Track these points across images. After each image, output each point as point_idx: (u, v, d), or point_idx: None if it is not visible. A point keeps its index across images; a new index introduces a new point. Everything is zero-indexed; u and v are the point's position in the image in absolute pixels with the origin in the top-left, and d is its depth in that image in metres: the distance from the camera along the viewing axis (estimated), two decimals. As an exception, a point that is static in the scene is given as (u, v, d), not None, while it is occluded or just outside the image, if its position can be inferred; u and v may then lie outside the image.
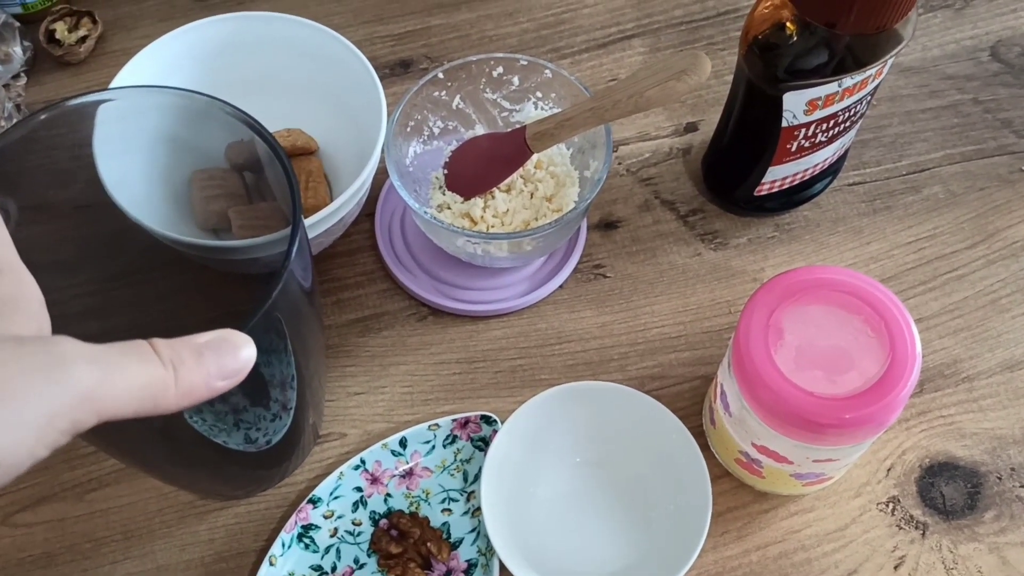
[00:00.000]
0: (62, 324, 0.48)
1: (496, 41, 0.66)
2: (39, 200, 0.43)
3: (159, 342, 0.29)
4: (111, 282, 0.49)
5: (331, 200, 0.58)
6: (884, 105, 0.63)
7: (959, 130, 0.61)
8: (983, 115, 0.62)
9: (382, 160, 0.53)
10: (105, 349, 0.27)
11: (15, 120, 0.60)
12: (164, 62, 0.56)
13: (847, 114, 0.51)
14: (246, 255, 0.51)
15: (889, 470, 0.50)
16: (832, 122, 0.51)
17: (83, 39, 0.64)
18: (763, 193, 0.56)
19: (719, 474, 0.50)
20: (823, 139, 0.52)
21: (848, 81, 0.48)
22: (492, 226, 0.54)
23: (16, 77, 0.62)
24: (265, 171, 0.43)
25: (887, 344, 0.42)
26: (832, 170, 0.58)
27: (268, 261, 0.53)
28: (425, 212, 0.51)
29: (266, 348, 0.40)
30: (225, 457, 0.44)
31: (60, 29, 0.64)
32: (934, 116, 0.62)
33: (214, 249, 0.52)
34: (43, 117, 0.39)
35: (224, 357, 0.30)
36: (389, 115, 0.53)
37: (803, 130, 0.51)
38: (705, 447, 0.51)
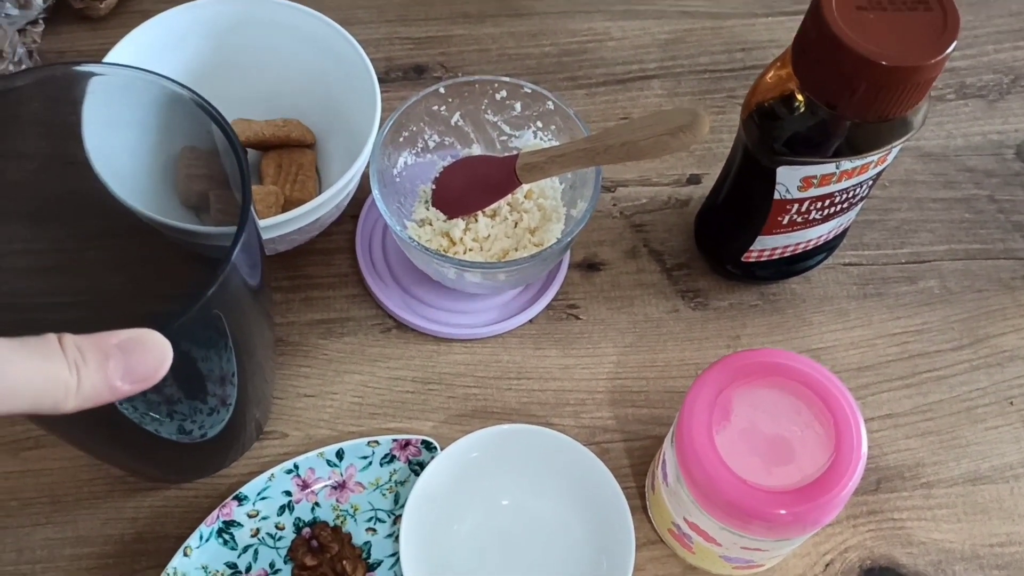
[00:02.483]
0: (24, 277, 0.48)
1: (515, 60, 0.65)
2: (21, 149, 0.43)
3: (67, 339, 0.28)
4: (80, 241, 0.49)
5: (318, 195, 0.58)
6: (896, 188, 0.61)
7: (968, 226, 0.59)
8: (996, 215, 0.60)
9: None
10: (6, 342, 0.27)
11: (24, 66, 0.60)
12: (173, 33, 0.56)
13: (845, 195, 0.50)
14: (211, 241, 0.50)
15: (828, 565, 0.49)
16: (828, 201, 0.50)
17: (105, -6, 0.64)
18: (751, 260, 0.54)
19: (653, 539, 0.49)
20: (817, 216, 0.51)
21: (847, 164, 0.46)
22: (470, 249, 0.53)
23: (34, 23, 0.62)
24: (223, 162, 0.42)
25: (832, 443, 0.41)
26: (828, 247, 0.56)
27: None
28: (402, 229, 0.50)
29: (204, 343, 0.40)
30: (157, 444, 0.44)
31: (86, -24, 0.64)
32: (945, 207, 0.60)
33: (179, 230, 0.51)
34: (42, 74, 0.39)
35: (133, 360, 0.30)
36: (383, 122, 0.52)
37: (796, 205, 0.49)
38: (644, 509, 0.50)
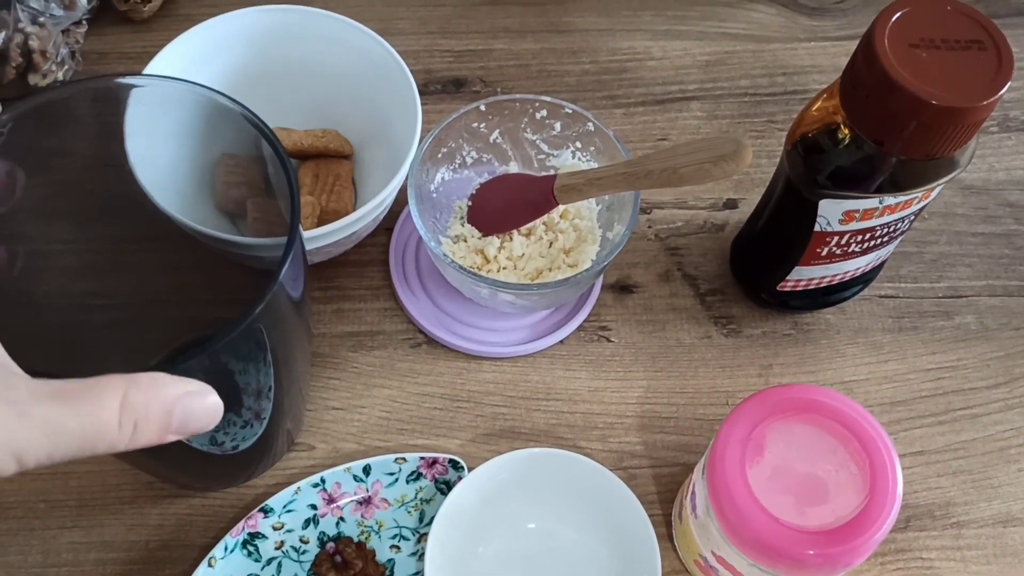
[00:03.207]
0: (69, 275, 0.49)
1: (554, 77, 0.65)
2: (68, 149, 0.44)
3: (132, 396, 0.28)
4: (123, 243, 0.49)
5: (354, 206, 0.58)
6: (934, 220, 0.60)
7: (1007, 262, 0.59)
8: (1036, 251, 0.59)
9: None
10: (68, 391, 0.27)
11: (67, 66, 0.61)
12: (216, 41, 0.56)
13: (886, 230, 0.49)
14: (250, 251, 0.50)
15: (854, 603, 0.48)
16: (868, 235, 0.49)
17: (149, -1, 0.64)
18: (787, 289, 0.54)
19: (677, 568, 0.49)
20: (857, 249, 0.50)
21: (890, 200, 0.46)
22: (504, 267, 0.53)
23: (77, 24, 0.62)
24: (270, 175, 0.42)
25: (867, 485, 0.40)
26: (864, 279, 0.56)
27: (271, 260, 0.52)
28: (437, 245, 0.50)
29: (244, 357, 0.40)
30: (188, 454, 0.44)
31: (131, -20, 0.64)
32: (984, 242, 0.59)
33: (218, 239, 0.51)
34: (88, 86, 0.40)
35: (190, 421, 0.30)
36: (423, 136, 0.52)
37: (836, 238, 0.49)
38: (670, 537, 0.50)
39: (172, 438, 0.29)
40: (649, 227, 0.59)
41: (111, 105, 0.42)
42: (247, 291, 0.36)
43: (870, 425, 0.42)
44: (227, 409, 0.42)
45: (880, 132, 0.43)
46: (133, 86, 0.41)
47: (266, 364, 0.41)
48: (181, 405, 0.29)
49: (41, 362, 0.29)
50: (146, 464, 0.47)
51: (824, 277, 0.53)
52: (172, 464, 0.47)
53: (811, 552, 0.39)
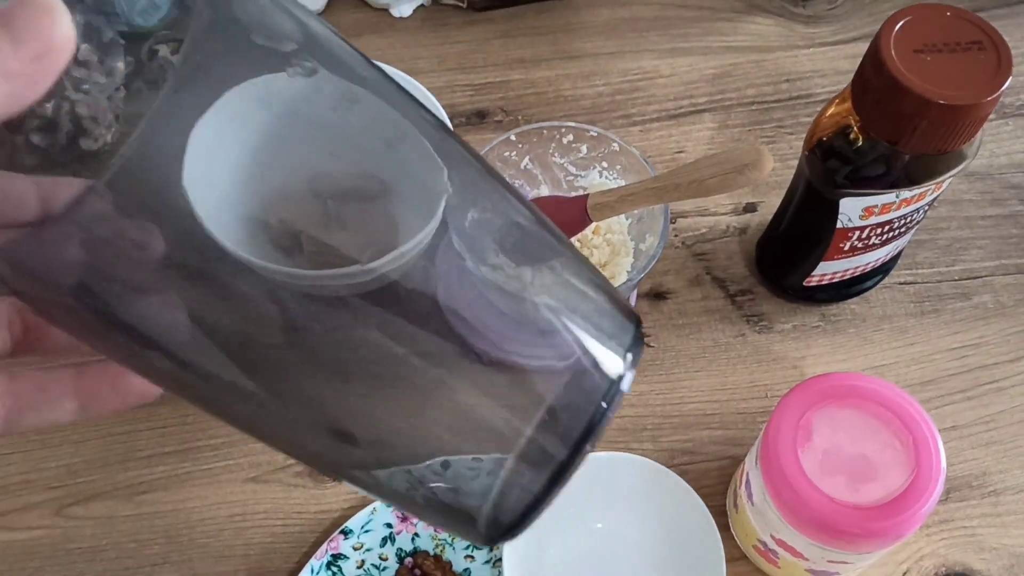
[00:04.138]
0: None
1: (571, 101, 0.68)
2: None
3: None
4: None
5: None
6: (944, 208, 0.63)
7: (1017, 241, 0.62)
8: (1043, 228, 0.63)
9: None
10: None
11: (114, 128, 0.64)
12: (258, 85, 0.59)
13: (903, 221, 0.52)
14: (316, 283, 0.53)
15: (905, 574, 0.51)
16: (887, 227, 0.52)
17: (182, 59, 0.68)
18: (812, 284, 0.57)
19: (737, 556, 0.52)
20: (876, 242, 0.54)
21: (906, 193, 0.49)
22: (545, 286, 0.56)
23: (117, 90, 0.66)
24: None
25: (912, 459, 0.43)
26: (884, 268, 0.59)
27: (334, 288, 0.55)
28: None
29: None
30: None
31: (163, 50, 0.68)
32: (993, 224, 0.63)
33: (281, 273, 0.54)
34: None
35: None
36: (460, 170, 0.55)
37: (857, 232, 0.52)
38: (726, 527, 0.52)
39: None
40: (676, 235, 0.63)
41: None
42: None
43: (909, 404, 0.45)
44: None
45: (893, 132, 0.46)
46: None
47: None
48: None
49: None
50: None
51: (847, 270, 0.56)
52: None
53: (867, 526, 0.42)
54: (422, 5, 0.73)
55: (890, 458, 0.44)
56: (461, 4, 0.73)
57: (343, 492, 0.54)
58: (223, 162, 0.45)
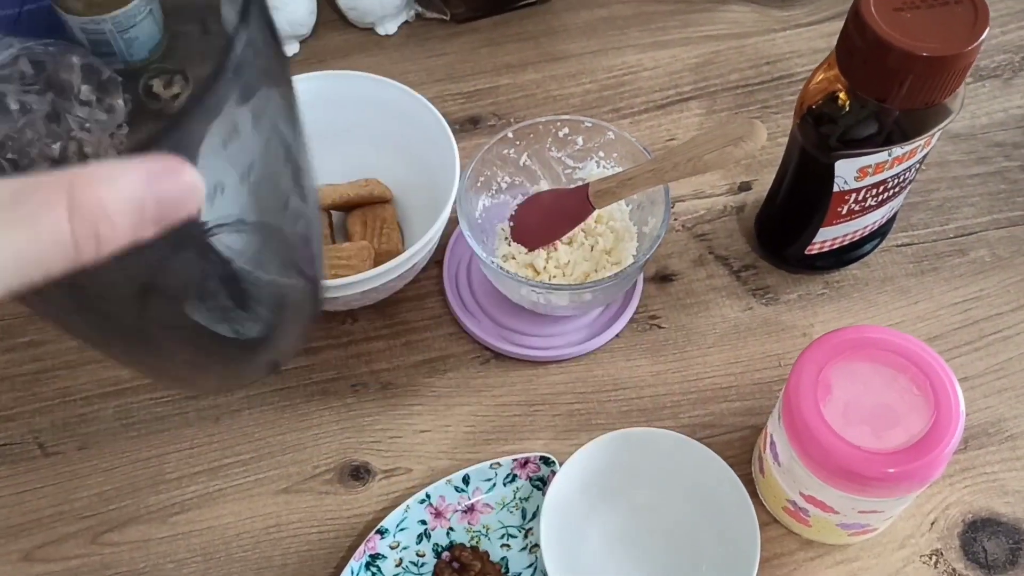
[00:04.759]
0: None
1: (560, 101, 0.70)
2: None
3: (81, 194, 0.21)
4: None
5: (403, 245, 0.62)
6: (932, 170, 0.65)
7: (1006, 196, 0.64)
8: (1030, 181, 0.64)
9: (451, 211, 0.57)
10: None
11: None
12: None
13: (896, 180, 0.54)
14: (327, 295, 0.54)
15: (933, 523, 0.52)
16: (882, 187, 0.54)
17: (177, 95, 0.69)
18: (814, 252, 0.59)
19: (766, 521, 0.53)
20: (873, 203, 0.55)
21: (898, 151, 0.51)
22: (554, 276, 0.57)
23: (120, 127, 0.67)
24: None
25: (932, 402, 0.45)
26: (881, 232, 0.60)
27: (347, 300, 0.56)
28: (492, 262, 0.54)
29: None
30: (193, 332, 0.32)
31: (156, 85, 0.69)
32: (981, 182, 0.64)
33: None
34: None
35: (167, 207, 0.22)
36: (462, 170, 0.57)
37: (853, 195, 0.54)
38: (753, 494, 0.53)
39: (152, 232, 0.22)
40: (675, 219, 0.64)
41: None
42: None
43: (922, 349, 0.46)
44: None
45: (880, 90, 0.48)
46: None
47: (282, 144, 0.30)
48: (150, 190, 0.22)
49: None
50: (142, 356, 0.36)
51: (846, 235, 0.58)
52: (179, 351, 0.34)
53: (893, 470, 0.43)
54: (406, 22, 0.75)
55: (910, 403, 0.45)
56: (445, 17, 0.74)
57: (375, 494, 0.54)
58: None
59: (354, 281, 0.53)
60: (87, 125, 0.64)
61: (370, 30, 0.74)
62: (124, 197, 0.22)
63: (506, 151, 0.59)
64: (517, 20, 0.75)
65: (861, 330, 0.47)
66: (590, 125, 0.59)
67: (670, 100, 0.70)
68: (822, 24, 0.73)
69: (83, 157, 0.62)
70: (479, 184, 0.59)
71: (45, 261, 0.21)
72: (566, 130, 0.59)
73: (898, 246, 0.62)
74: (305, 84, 0.61)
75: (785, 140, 0.57)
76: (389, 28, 0.74)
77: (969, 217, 0.63)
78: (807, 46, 0.72)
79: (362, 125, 0.63)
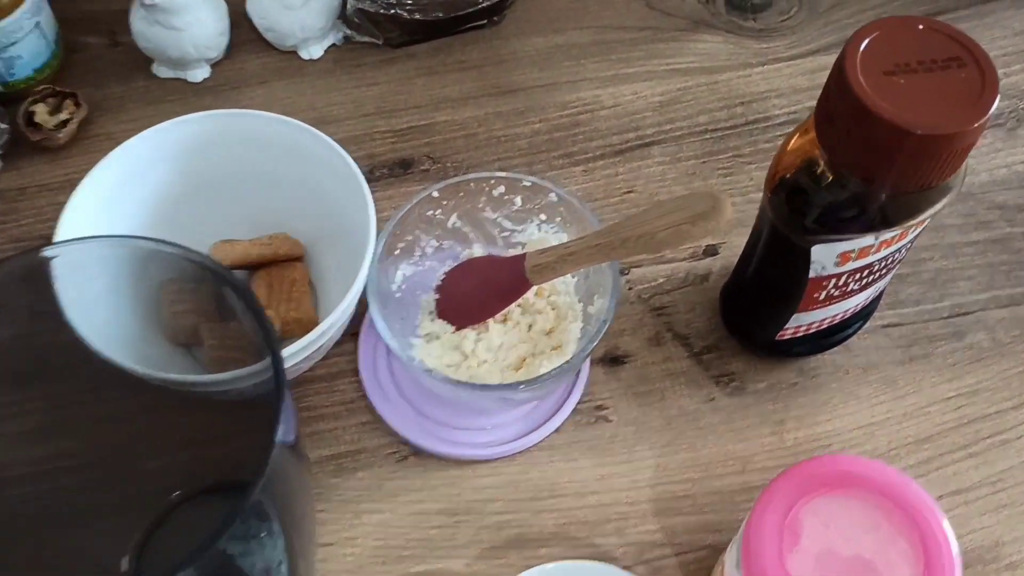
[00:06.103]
0: (7, 443, 0.44)
1: (505, 142, 0.61)
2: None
3: None
4: (65, 399, 0.44)
5: (316, 311, 0.54)
6: (925, 236, 0.57)
7: (1007, 269, 0.56)
8: (1036, 252, 0.56)
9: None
10: None
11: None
12: (139, 161, 0.52)
13: (884, 263, 0.46)
14: (219, 387, 0.46)
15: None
16: (867, 271, 0.46)
17: (64, 123, 0.60)
18: (786, 337, 0.50)
19: (723, 664, 0.45)
20: (855, 287, 0.47)
21: (887, 235, 0.42)
22: (484, 361, 0.49)
23: (-2, 157, 0.58)
24: (240, 317, 0.38)
25: (920, 559, 0.37)
26: (865, 313, 0.52)
27: (243, 391, 0.48)
28: (407, 351, 0.46)
29: (243, 536, 0.35)
30: None
31: (40, 112, 0.60)
32: (980, 251, 0.56)
33: (182, 383, 0.47)
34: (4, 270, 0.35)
35: None
36: (379, 231, 0.48)
37: (833, 280, 0.45)
38: (709, 630, 0.45)
39: None
40: (630, 289, 0.56)
41: (38, 282, 0.38)
42: (209, 428, 0.30)
43: (911, 491, 0.38)
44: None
45: (866, 169, 0.39)
46: (54, 257, 0.37)
47: (271, 535, 0.36)
48: None
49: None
50: None
51: (824, 319, 0.49)
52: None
53: (873, 646, 0.35)
54: (334, 45, 0.66)
55: (893, 558, 0.37)
56: (377, 41, 0.65)
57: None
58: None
59: (250, 373, 0.45)
60: (-52, 166, 0.55)
61: (293, 53, 0.65)
62: None
63: (431, 212, 0.50)
64: (459, 46, 0.66)
65: (839, 461, 0.39)
66: (529, 184, 0.50)
67: (629, 145, 0.61)
68: (805, 59, 0.64)
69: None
70: (399, 250, 0.50)
71: None
72: (502, 188, 0.51)
73: (884, 327, 0.54)
74: (197, 126, 0.52)
75: (758, 197, 0.49)
76: (314, 52, 0.65)
77: (965, 293, 0.55)
78: (787, 84, 0.63)
79: (269, 170, 0.54)
